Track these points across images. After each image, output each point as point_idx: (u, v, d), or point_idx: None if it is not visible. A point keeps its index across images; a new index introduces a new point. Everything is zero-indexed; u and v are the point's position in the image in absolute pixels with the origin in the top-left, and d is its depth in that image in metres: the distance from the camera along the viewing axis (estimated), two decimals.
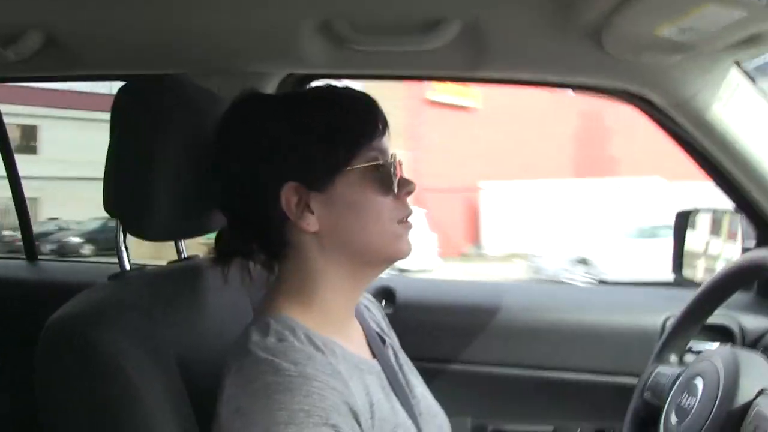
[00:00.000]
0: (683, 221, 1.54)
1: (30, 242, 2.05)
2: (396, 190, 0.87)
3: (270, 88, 1.39)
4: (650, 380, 1.13)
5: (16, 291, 1.82)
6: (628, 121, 12.11)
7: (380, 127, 0.89)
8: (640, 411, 1.14)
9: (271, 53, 1.32)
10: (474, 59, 1.25)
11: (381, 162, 0.87)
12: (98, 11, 1.21)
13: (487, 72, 1.34)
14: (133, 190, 0.92)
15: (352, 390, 0.80)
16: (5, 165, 2.06)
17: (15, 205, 2.06)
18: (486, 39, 1.19)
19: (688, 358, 1.19)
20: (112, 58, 1.38)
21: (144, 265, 1.04)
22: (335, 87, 0.91)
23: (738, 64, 1.19)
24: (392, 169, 0.87)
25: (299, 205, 0.85)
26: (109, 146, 0.94)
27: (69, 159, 18.06)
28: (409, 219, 0.90)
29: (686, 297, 1.19)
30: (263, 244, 0.90)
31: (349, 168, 0.85)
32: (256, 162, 0.86)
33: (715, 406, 0.89)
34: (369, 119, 0.88)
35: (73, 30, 1.28)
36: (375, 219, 0.86)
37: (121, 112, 0.95)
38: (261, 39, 1.28)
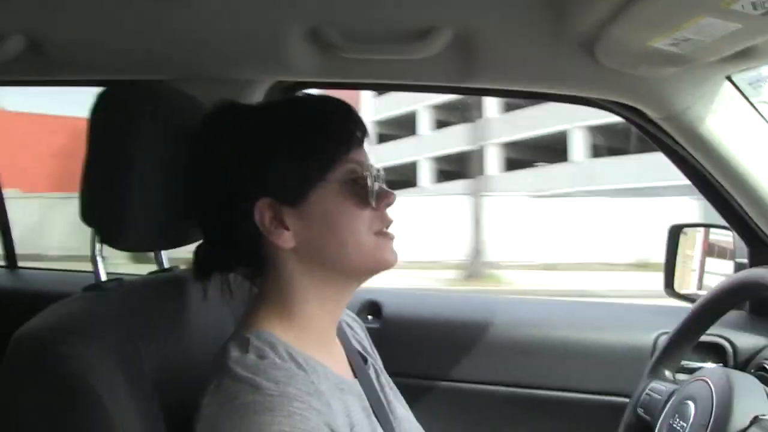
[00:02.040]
0: (675, 236, 1.52)
1: (10, 249, 2.01)
2: (374, 203, 0.84)
3: (257, 95, 1.37)
4: (643, 396, 1.11)
5: None
6: None
7: (357, 137, 0.86)
8: (632, 427, 1.13)
9: (257, 60, 1.30)
10: (465, 69, 1.24)
11: (357, 174, 0.84)
12: (81, 16, 1.19)
13: (477, 82, 1.32)
14: (108, 199, 0.89)
15: (333, 410, 0.77)
16: None
17: None
18: (477, 49, 1.17)
19: (681, 376, 1.17)
20: (94, 64, 1.36)
21: (121, 276, 1.01)
22: (311, 96, 0.91)
23: (730, 78, 1.18)
24: (369, 181, 0.84)
25: (273, 221, 0.82)
26: (86, 153, 0.91)
27: None
28: (389, 229, 0.87)
29: (678, 313, 1.17)
30: (240, 259, 0.88)
31: (323, 181, 0.82)
32: (228, 177, 0.83)
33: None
34: (345, 130, 0.85)
35: (55, 35, 1.26)
36: (352, 232, 0.84)
37: (98, 118, 0.91)
38: (247, 45, 1.25)
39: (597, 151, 21.83)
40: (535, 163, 23.37)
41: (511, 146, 24.16)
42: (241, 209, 0.82)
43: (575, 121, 21.63)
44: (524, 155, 24.01)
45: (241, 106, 0.91)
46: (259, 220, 0.82)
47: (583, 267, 12.33)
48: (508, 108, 23.73)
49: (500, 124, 23.70)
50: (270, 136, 0.83)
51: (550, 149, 22.69)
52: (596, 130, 21.42)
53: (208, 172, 0.85)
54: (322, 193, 0.82)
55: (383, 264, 0.86)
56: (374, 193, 0.84)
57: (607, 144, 21.11)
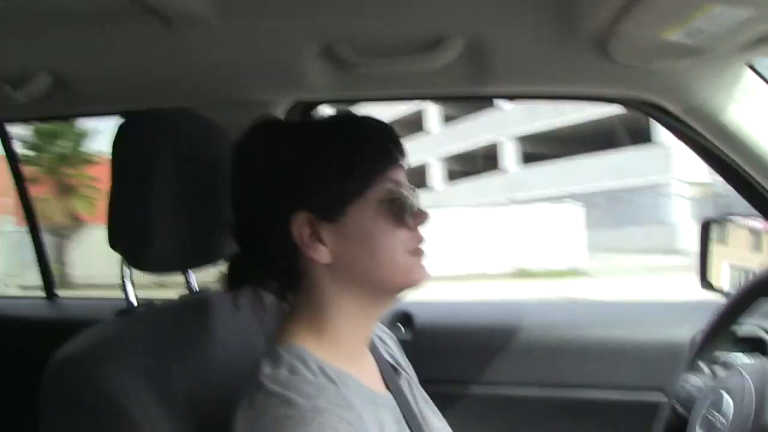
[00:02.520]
0: (707, 231, 1.50)
1: (48, 280, 2.06)
2: (410, 222, 0.85)
3: (277, 116, 1.39)
4: (680, 390, 1.10)
5: (29, 329, 1.83)
6: None
7: (397, 157, 0.87)
8: (670, 422, 1.11)
9: (275, 81, 1.32)
10: (479, 76, 1.24)
11: (395, 193, 0.85)
12: (103, 50, 1.22)
13: (492, 88, 1.32)
14: (133, 224, 0.92)
15: (365, 423, 0.77)
16: (22, 204, 2.09)
17: (33, 242, 2.08)
18: (489, 55, 1.17)
19: (719, 369, 1.15)
20: (117, 96, 1.40)
21: (152, 301, 1.03)
22: (352, 115, 0.89)
23: (752, 65, 1.15)
24: (407, 201, 0.85)
25: (311, 236, 0.83)
26: (111, 182, 0.94)
27: None
28: (422, 246, 0.88)
29: (712, 309, 1.15)
30: (275, 273, 0.88)
31: (362, 199, 0.83)
32: (268, 190, 0.84)
33: (743, 425, 0.85)
34: (385, 149, 0.86)
35: (80, 71, 1.30)
36: (388, 251, 0.84)
37: (120, 147, 0.94)
38: (265, 67, 1.28)
39: (527, 159, 21.76)
40: (469, 175, 23.43)
41: (453, 159, 24.18)
42: (280, 222, 0.82)
43: (506, 130, 21.53)
44: (464, 167, 24.07)
45: (282, 122, 0.92)
46: (296, 234, 0.82)
47: (461, 278, 12.15)
48: (447, 119, 23.83)
49: (441, 137, 23.87)
50: (312, 152, 0.84)
51: (489, 159, 22.64)
52: (526, 139, 21.29)
53: (250, 184, 0.86)
54: (360, 211, 0.83)
55: (414, 283, 0.87)
56: (411, 212, 0.85)
57: (536, 151, 21.01)
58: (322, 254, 0.83)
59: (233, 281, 0.90)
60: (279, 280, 0.89)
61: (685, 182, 17.65)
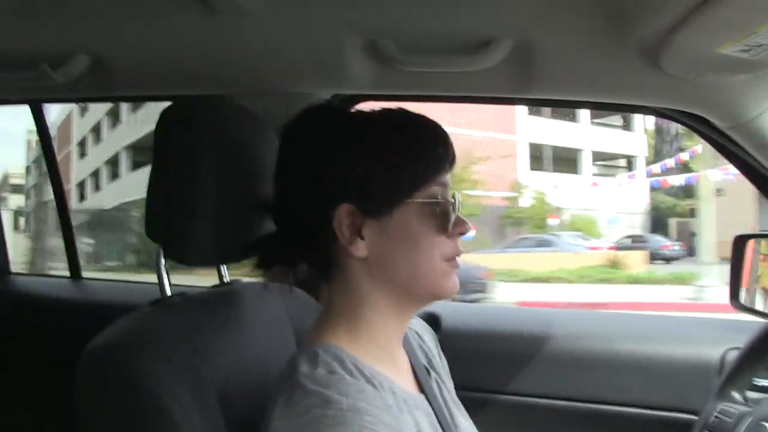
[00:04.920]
0: (740, 246, 1.47)
1: (74, 260, 2.08)
2: (451, 230, 0.84)
3: None
4: (711, 420, 1.06)
5: (56, 309, 1.84)
6: None
7: (449, 161, 0.86)
8: None
9: (316, 73, 1.31)
10: (524, 80, 1.22)
11: (442, 199, 0.84)
12: (142, 34, 1.22)
13: (536, 93, 1.30)
14: (173, 214, 0.91)
15: (402, 424, 0.77)
16: (52, 184, 2.10)
17: (60, 222, 2.10)
18: (536, 59, 1.15)
19: (753, 394, 1.12)
20: (156, 80, 1.39)
21: (185, 291, 1.03)
22: (409, 113, 0.88)
23: None
24: (451, 208, 0.84)
25: (351, 229, 0.82)
26: (152, 170, 0.93)
27: None
28: (458, 257, 0.87)
29: (746, 328, 1.13)
30: (309, 256, 0.88)
31: (409, 199, 0.82)
32: (317, 177, 0.83)
33: None
34: (439, 153, 0.85)
35: (118, 53, 1.29)
36: (426, 255, 0.83)
37: (164, 134, 0.94)
38: (306, 59, 1.27)
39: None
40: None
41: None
42: (322, 211, 0.82)
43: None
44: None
45: (338, 109, 0.91)
46: (337, 224, 0.82)
47: None
48: None
49: None
50: (365, 144, 0.83)
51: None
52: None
53: (298, 166, 0.85)
54: (406, 211, 0.82)
55: (447, 292, 0.86)
56: (453, 220, 0.84)
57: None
58: (359, 248, 0.82)
59: (265, 260, 0.90)
60: (312, 265, 0.88)
61: None
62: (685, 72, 1.08)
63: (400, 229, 0.82)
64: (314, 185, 0.83)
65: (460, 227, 0.86)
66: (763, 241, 1.49)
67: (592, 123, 24.38)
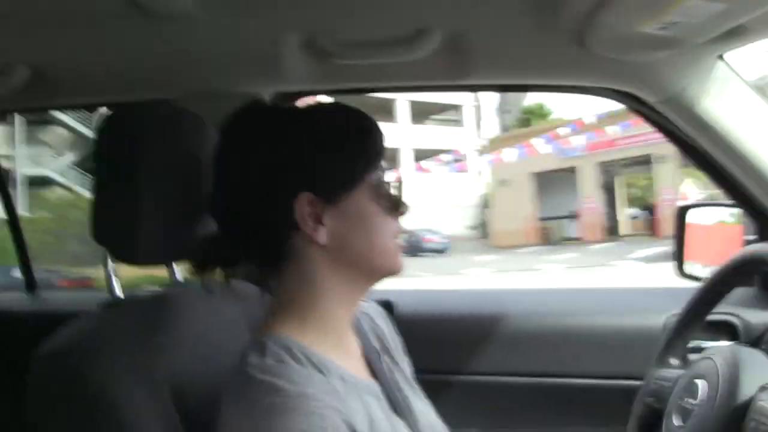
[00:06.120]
0: (682, 217, 1.52)
1: (29, 273, 2.05)
2: (397, 210, 0.89)
3: None
4: (651, 385, 1.11)
5: (11, 322, 1.81)
6: None
7: (383, 147, 0.90)
8: (643, 416, 1.12)
9: (256, 72, 1.32)
10: (458, 67, 1.25)
11: (384, 181, 0.88)
12: (80, 42, 1.21)
13: (472, 79, 1.33)
14: (118, 217, 0.92)
15: (351, 409, 0.79)
16: (2, 196, 2.06)
17: (12, 236, 2.06)
18: (469, 46, 1.19)
19: (693, 356, 1.17)
20: (97, 88, 1.39)
21: (136, 293, 1.03)
22: (339, 104, 0.92)
23: (723, 58, 1.18)
24: (396, 189, 0.89)
25: (312, 217, 0.84)
26: (94, 175, 0.94)
27: None
28: (401, 236, 0.91)
29: (687, 294, 1.17)
30: (258, 253, 0.88)
31: (363, 183, 0.85)
32: (269, 171, 0.84)
33: (716, 404, 0.88)
34: (378, 138, 0.89)
35: (57, 63, 1.28)
36: (381, 234, 0.87)
37: (104, 140, 0.95)
38: (246, 59, 1.28)
39: None
40: None
41: None
42: (280, 203, 0.83)
43: None
44: None
45: (280, 106, 0.94)
46: (299, 214, 0.83)
47: None
48: None
49: None
50: (319, 133, 0.86)
51: None
52: None
53: (245, 163, 0.86)
54: (360, 195, 0.85)
55: (397, 269, 0.90)
56: (397, 201, 0.89)
57: None
58: (321, 235, 0.84)
59: (204, 263, 0.89)
60: (263, 261, 0.89)
61: None
62: (610, 51, 1.13)
63: (357, 212, 0.85)
64: (268, 180, 0.84)
65: (404, 207, 0.90)
66: (703, 210, 1.56)
67: (430, 120, 25.79)
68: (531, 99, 29.73)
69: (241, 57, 1.27)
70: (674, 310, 1.39)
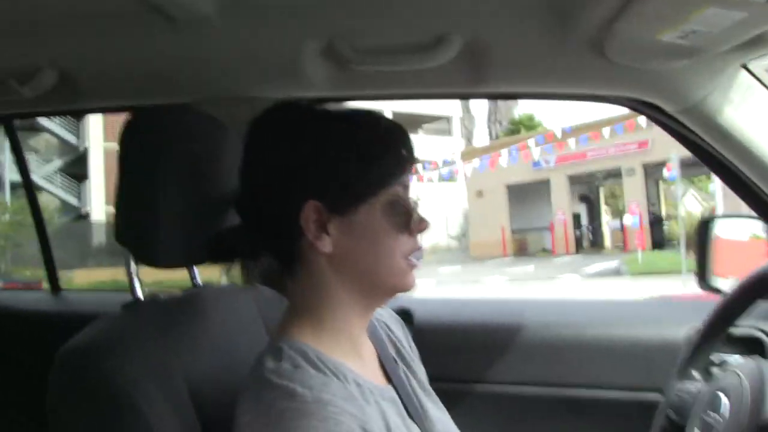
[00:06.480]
0: (706, 229, 1.50)
1: (53, 273, 2.09)
2: (411, 228, 0.87)
3: None
4: (673, 398, 1.09)
5: (35, 323, 1.85)
6: None
7: (410, 163, 0.88)
8: (664, 429, 1.10)
9: (275, 78, 1.33)
10: (477, 75, 1.25)
11: (402, 198, 0.86)
12: (106, 46, 1.24)
13: (490, 87, 1.33)
14: (141, 219, 0.94)
15: (368, 414, 0.79)
16: (29, 199, 2.11)
17: (38, 236, 2.10)
18: (488, 54, 1.18)
19: (713, 371, 1.15)
20: (122, 92, 1.42)
21: (157, 293, 1.05)
22: (375, 114, 0.90)
23: (746, 66, 1.16)
24: (413, 207, 0.87)
25: (317, 224, 0.84)
26: (118, 178, 0.96)
27: None
28: (417, 255, 0.90)
29: (710, 308, 1.15)
30: (273, 249, 0.89)
31: (374, 198, 0.84)
32: (283, 173, 0.85)
33: (741, 421, 0.86)
34: (402, 154, 0.87)
35: (84, 67, 1.31)
36: (388, 253, 0.86)
37: (127, 143, 0.96)
38: (265, 64, 1.29)
39: None
40: None
41: None
42: (289, 206, 0.83)
43: None
44: None
45: (308, 106, 0.92)
46: (303, 220, 0.83)
47: None
48: None
49: None
50: (333, 145, 0.85)
51: None
52: None
53: (265, 161, 0.87)
54: (370, 209, 0.84)
55: (405, 288, 0.89)
56: (414, 219, 0.87)
57: None
58: (325, 243, 0.84)
59: (229, 252, 0.91)
60: (278, 257, 0.89)
61: None
62: (629, 60, 1.12)
63: (365, 226, 0.84)
64: (282, 181, 0.85)
65: (421, 226, 0.88)
66: (727, 223, 1.53)
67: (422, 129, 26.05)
68: (521, 109, 29.96)
69: (261, 62, 1.28)
70: (695, 322, 1.37)
